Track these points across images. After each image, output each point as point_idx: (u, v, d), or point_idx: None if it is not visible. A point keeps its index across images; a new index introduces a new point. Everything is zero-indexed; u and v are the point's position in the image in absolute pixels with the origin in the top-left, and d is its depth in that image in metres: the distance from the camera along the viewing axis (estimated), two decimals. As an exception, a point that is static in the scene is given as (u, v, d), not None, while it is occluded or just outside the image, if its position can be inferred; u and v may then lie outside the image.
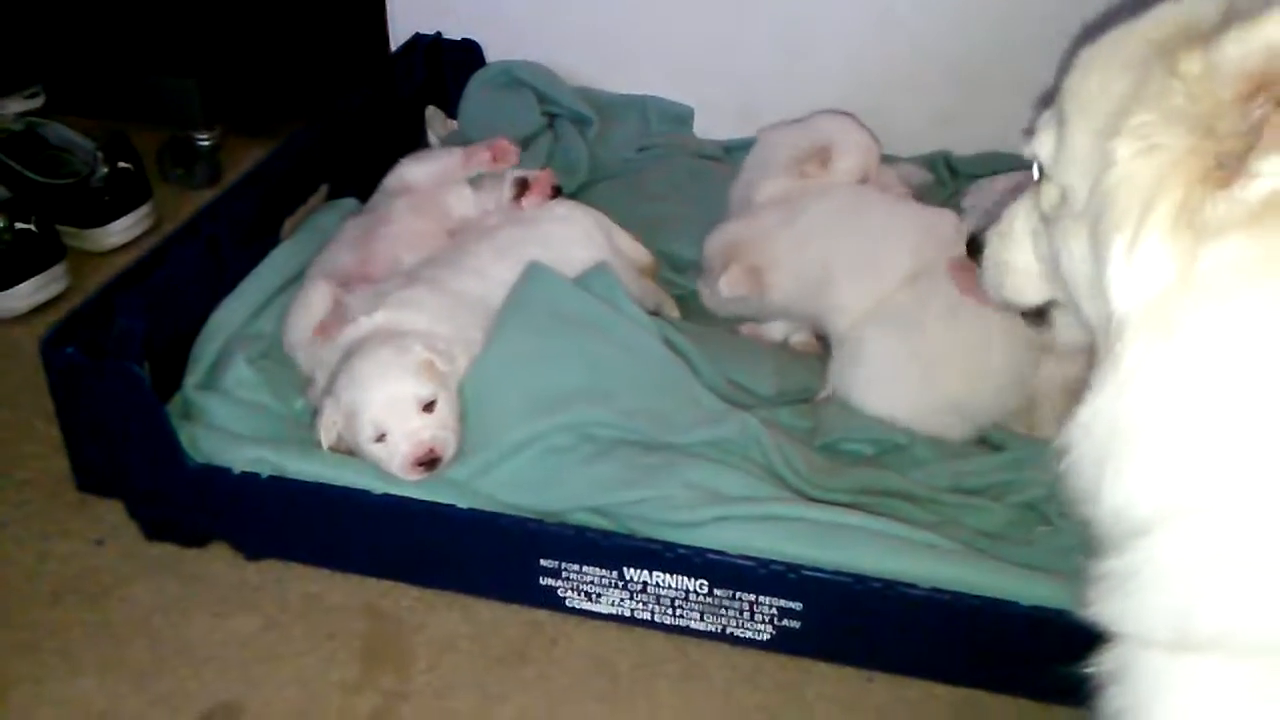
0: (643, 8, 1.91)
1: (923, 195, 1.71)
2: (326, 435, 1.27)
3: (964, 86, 1.83)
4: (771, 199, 1.61)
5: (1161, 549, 0.69)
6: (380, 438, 1.24)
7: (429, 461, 1.23)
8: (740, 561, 1.15)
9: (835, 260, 1.46)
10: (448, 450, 1.25)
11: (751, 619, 1.18)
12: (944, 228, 1.43)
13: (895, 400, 1.37)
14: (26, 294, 1.64)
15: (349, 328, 1.34)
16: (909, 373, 1.37)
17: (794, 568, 1.14)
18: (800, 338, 1.57)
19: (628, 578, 1.19)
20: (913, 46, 1.83)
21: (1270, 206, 0.64)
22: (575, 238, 1.51)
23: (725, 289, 1.52)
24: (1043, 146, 0.82)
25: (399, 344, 1.29)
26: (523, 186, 1.63)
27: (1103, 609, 0.74)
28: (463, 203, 1.65)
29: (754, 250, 1.52)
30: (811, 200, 1.54)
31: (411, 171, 1.67)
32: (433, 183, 1.65)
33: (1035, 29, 1.65)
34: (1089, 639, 0.77)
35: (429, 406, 1.25)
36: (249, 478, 1.23)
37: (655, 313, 1.51)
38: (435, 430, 1.25)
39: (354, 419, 1.25)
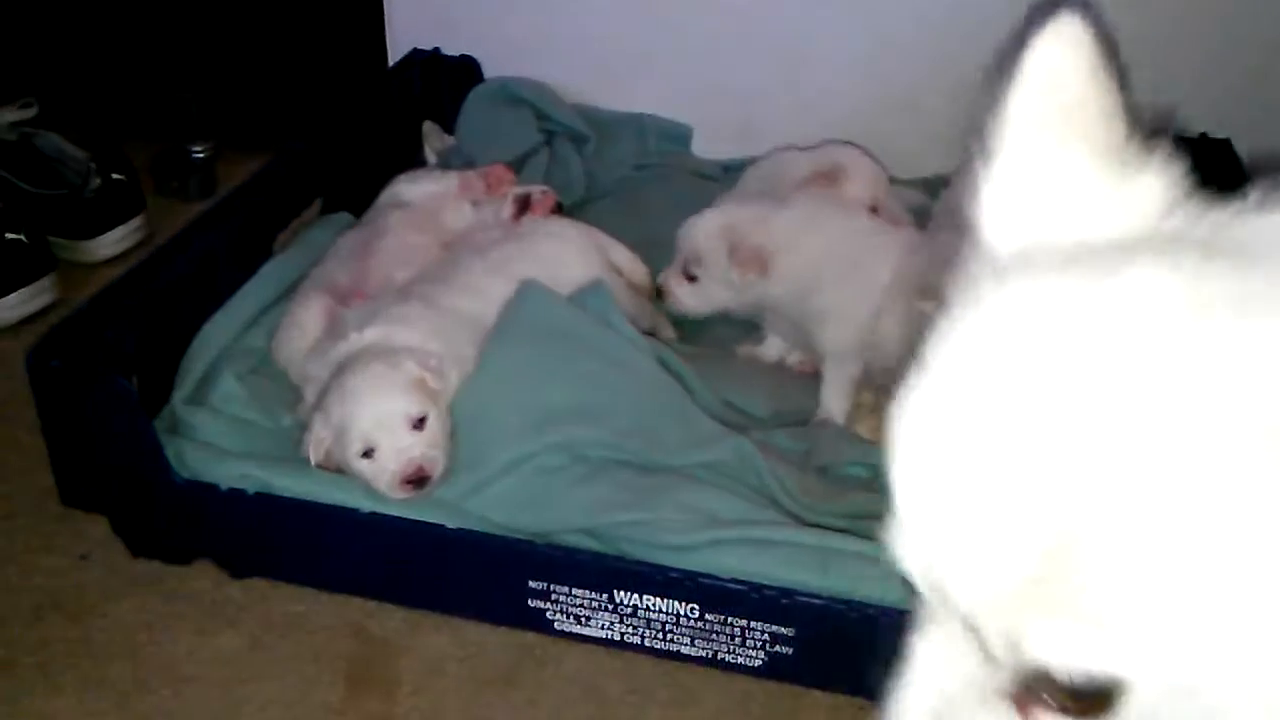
0: (642, 26, 1.90)
1: (920, 219, 1.71)
2: (315, 451, 1.26)
3: (964, 110, 1.82)
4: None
5: None
6: (368, 454, 1.23)
7: (418, 480, 1.22)
8: (732, 586, 1.14)
9: (826, 261, 1.44)
10: (437, 469, 1.23)
11: (743, 645, 1.16)
12: (922, 250, 1.42)
13: None
14: (15, 305, 1.63)
15: (341, 343, 1.33)
16: None
17: (787, 593, 1.13)
18: (797, 358, 1.56)
19: (618, 601, 1.17)
20: (913, 69, 1.82)
21: None
22: (570, 255, 1.50)
23: (737, 270, 1.45)
24: None
25: (390, 360, 1.27)
26: (524, 204, 1.62)
27: None
28: (461, 219, 1.64)
29: (756, 231, 1.46)
30: (798, 196, 1.53)
31: (406, 191, 1.65)
32: (428, 202, 1.64)
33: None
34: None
35: (419, 424, 1.24)
36: (235, 494, 1.22)
37: (651, 333, 1.49)
38: (425, 448, 1.23)
39: (343, 435, 1.23)
